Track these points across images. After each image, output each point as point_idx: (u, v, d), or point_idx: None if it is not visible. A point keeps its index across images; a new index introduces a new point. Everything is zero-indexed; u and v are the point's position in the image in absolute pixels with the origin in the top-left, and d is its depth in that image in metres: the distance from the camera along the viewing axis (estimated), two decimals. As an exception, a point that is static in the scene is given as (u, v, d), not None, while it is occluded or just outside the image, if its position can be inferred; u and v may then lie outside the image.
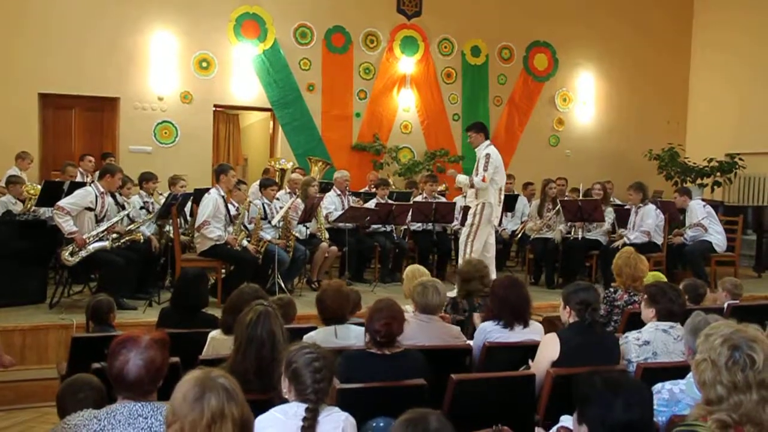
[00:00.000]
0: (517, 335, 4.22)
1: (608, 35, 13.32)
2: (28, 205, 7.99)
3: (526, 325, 4.26)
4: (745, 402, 2.19)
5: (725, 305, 5.58)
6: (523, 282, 4.45)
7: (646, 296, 4.09)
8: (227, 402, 2.10)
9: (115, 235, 7.16)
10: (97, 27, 10.42)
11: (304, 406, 2.65)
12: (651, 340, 3.87)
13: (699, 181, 12.25)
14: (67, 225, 6.77)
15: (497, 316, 4.27)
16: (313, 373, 2.67)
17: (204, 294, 5.01)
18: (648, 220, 8.67)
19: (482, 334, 4.25)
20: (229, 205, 7.70)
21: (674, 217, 9.20)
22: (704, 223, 8.94)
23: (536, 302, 7.58)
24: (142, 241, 7.47)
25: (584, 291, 3.87)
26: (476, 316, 4.91)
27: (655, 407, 3.01)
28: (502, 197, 7.98)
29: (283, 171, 10.41)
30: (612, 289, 5.46)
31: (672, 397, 3.10)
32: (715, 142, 12.73)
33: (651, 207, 8.76)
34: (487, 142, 7.91)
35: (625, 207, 9.28)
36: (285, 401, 2.74)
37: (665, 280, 4.73)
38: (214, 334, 4.02)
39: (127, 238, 7.31)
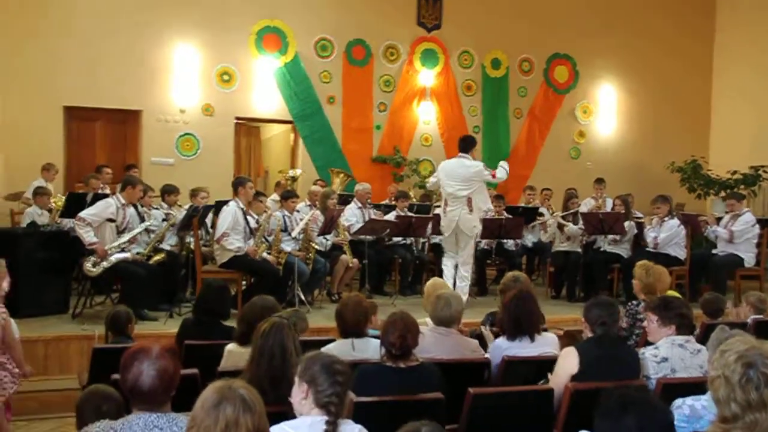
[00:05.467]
0: (533, 349, 4.19)
1: (629, 48, 13.25)
2: (54, 216, 8.10)
3: (532, 339, 4.23)
4: (761, 421, 2.15)
5: (749, 320, 5.51)
6: (533, 295, 4.43)
7: (656, 318, 3.96)
8: (243, 413, 2.15)
9: (138, 251, 7.29)
10: (119, 41, 10.56)
11: (320, 418, 2.59)
12: (669, 357, 3.79)
13: (722, 193, 12.09)
14: (87, 236, 6.84)
15: (506, 328, 4.26)
16: (333, 375, 2.62)
17: (227, 305, 5.06)
18: (662, 234, 8.54)
19: (498, 351, 4.23)
20: (249, 217, 7.73)
21: (696, 230, 9.09)
22: (741, 236, 8.76)
23: (557, 315, 7.62)
24: (165, 258, 7.63)
25: (600, 306, 3.86)
26: (484, 329, 4.90)
27: (675, 423, 2.98)
28: (447, 208, 7.98)
29: (293, 179, 10.45)
30: (635, 302, 5.41)
31: (693, 413, 3.05)
32: (738, 154, 12.57)
33: (673, 222, 8.63)
34: None
35: (642, 220, 9.19)
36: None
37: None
38: (231, 347, 4.04)
39: (155, 258, 7.47)
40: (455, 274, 8.07)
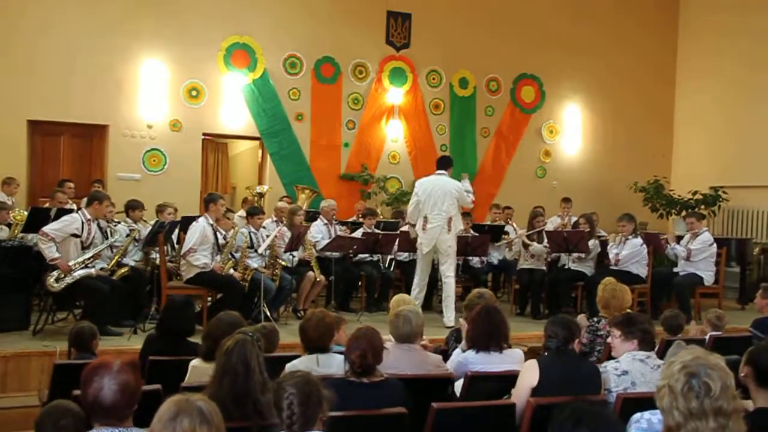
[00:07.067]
0: (499, 364, 4.24)
1: (594, 68, 13.49)
2: (15, 231, 7.96)
3: (501, 351, 4.29)
4: (701, 429, 2.20)
5: (707, 336, 5.63)
6: (499, 309, 4.50)
7: (620, 333, 4.07)
8: (199, 425, 2.15)
9: (102, 266, 7.21)
10: (87, 54, 10.48)
11: None
12: (629, 370, 3.89)
13: (683, 213, 12.34)
14: (49, 251, 6.76)
15: (476, 341, 4.31)
16: (287, 402, 2.65)
17: (190, 321, 5.03)
18: (624, 252, 8.69)
19: (463, 365, 4.27)
20: (218, 234, 7.71)
21: (658, 249, 9.26)
22: (699, 255, 8.96)
23: (522, 332, 7.68)
24: (129, 272, 7.55)
25: (554, 323, 4.00)
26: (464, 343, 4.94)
27: (631, 436, 3.04)
28: (427, 225, 8.07)
29: (261, 195, 10.44)
30: (596, 319, 5.50)
31: (650, 426, 3.11)
32: (699, 175, 12.86)
33: (636, 241, 8.78)
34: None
35: (606, 238, 9.37)
36: (265, 429, 2.74)
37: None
38: (195, 362, 4.02)
39: (119, 272, 7.40)
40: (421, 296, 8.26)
